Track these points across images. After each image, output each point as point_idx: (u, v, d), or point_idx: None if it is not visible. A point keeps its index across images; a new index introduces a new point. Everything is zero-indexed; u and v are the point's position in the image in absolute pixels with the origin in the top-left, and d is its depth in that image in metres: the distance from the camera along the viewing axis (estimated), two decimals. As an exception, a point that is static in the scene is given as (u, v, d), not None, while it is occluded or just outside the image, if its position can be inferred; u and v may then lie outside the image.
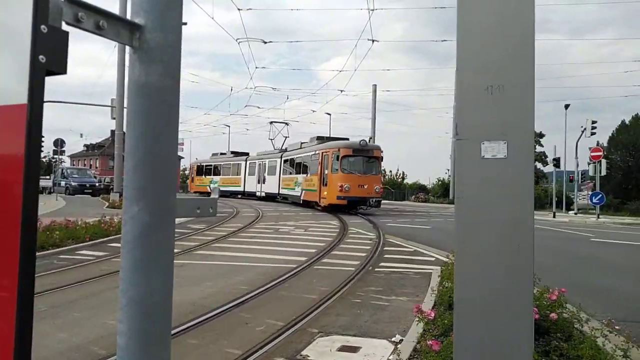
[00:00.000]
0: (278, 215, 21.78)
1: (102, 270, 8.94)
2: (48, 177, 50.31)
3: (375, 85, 45.33)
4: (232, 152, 43.29)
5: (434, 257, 11.00)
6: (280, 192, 31.62)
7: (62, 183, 36.88)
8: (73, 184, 37.50)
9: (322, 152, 25.31)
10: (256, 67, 44.61)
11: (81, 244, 11.48)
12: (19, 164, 0.73)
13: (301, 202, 27.75)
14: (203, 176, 43.27)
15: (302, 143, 30.42)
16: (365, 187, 23.89)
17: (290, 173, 30.13)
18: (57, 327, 5.53)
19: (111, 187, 37.26)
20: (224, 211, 23.77)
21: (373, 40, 26.13)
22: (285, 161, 31.18)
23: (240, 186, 37.66)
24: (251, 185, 36.23)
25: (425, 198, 46.17)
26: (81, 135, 72.65)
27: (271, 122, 36.66)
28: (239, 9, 22.12)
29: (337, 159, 24.02)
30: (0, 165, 0.74)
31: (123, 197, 1.03)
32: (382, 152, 25.29)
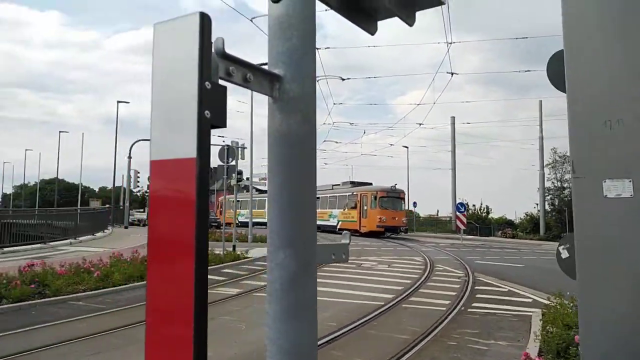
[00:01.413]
0: (360, 250, 21.60)
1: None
2: (142, 209, 53.98)
3: (453, 117, 44.41)
4: (256, 190, 51.72)
5: (530, 298, 10.28)
6: None
7: None
8: None
9: (361, 194, 34.71)
10: (334, 104, 45.65)
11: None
12: (192, 210, 0.78)
13: (337, 230, 35.71)
14: (231, 210, 51.32)
15: (333, 185, 39.87)
16: (396, 219, 33.49)
17: (320, 208, 38.26)
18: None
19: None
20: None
21: (452, 73, 25.69)
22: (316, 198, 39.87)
23: (265, 218, 44.03)
24: (260, 217, 42.97)
25: (513, 234, 43.67)
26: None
27: None
28: (317, 48, 22.80)
29: (375, 199, 33.48)
30: (177, 211, 0.80)
31: (268, 244, 1.04)
32: (404, 194, 35.75)
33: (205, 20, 0.79)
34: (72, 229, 21.46)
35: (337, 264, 15.72)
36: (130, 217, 39.73)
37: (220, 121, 0.83)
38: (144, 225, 39.99)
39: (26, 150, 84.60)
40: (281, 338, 1.01)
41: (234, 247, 17.63)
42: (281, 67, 1.03)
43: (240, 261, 15.50)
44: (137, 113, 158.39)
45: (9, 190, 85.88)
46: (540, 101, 39.45)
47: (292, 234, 1.01)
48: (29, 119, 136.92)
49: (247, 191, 49.15)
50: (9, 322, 7.46)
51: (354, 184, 38.23)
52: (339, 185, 39.64)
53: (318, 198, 39.57)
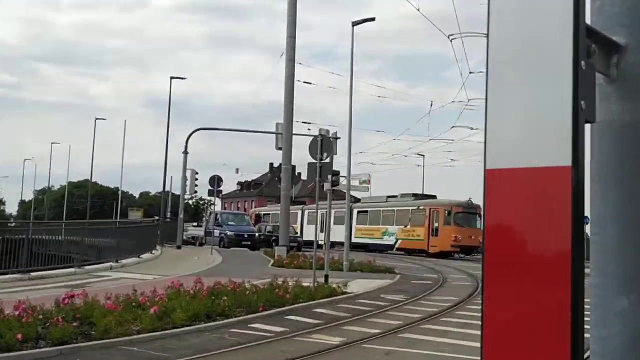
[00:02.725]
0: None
1: (284, 353, 9.57)
2: (195, 223, 55.90)
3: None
4: (294, 202, 59.61)
5: None
6: (352, 240, 46.73)
7: (216, 232, 40.11)
8: (229, 233, 40.47)
9: (431, 208, 43.03)
10: (470, 72, 41.36)
11: (253, 315, 12.43)
12: (566, 231, 0.81)
13: (394, 250, 44.61)
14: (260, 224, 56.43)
15: (388, 197, 48.41)
16: (473, 237, 40.27)
17: (370, 223, 47.66)
18: None
19: (273, 238, 40.02)
20: (425, 276, 23.93)
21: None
22: (362, 212, 48.78)
23: (371, 238, 50.31)
24: (310, 234, 48.78)
25: None
26: (237, 171, 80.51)
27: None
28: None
29: (449, 214, 41.84)
30: (537, 232, 0.83)
31: (594, 284, 1.04)
32: (481, 209, 40.26)
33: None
34: (111, 249, 22.98)
35: (478, 306, 15.46)
36: (184, 232, 41.18)
37: (591, 115, 0.85)
38: (200, 244, 41.62)
39: (52, 143, 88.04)
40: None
41: (326, 277, 17.93)
42: (621, 34, 1.03)
43: (336, 297, 15.73)
44: (191, 92, 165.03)
45: (29, 195, 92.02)
46: None
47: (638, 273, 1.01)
48: (54, 103, 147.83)
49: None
50: (49, 371, 8.11)
51: (417, 196, 47.07)
52: (395, 197, 48.24)
53: (365, 212, 48.71)
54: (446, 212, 42.35)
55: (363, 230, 47.75)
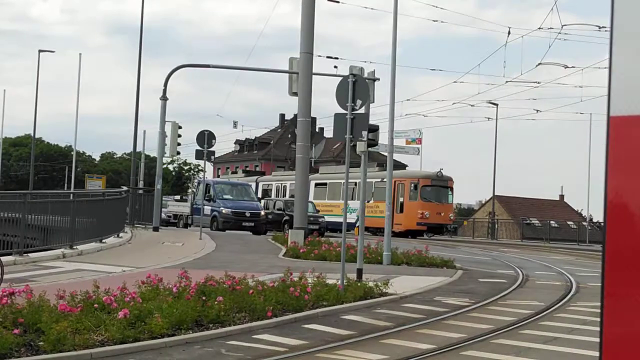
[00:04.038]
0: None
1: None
2: (178, 196, 56.40)
3: None
4: (245, 172, 73.59)
5: None
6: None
7: (207, 209, 40.19)
8: (225, 210, 41.07)
9: (396, 181, 47.54)
10: None
11: (260, 323, 12.50)
12: None
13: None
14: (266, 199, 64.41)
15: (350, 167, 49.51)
16: (442, 214, 51.93)
17: (328, 198, 56.79)
18: None
19: (286, 218, 40.07)
20: (498, 273, 23.93)
21: None
22: (320, 185, 58.26)
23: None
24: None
25: None
26: (235, 125, 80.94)
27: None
28: None
29: (416, 188, 51.81)
30: None
31: None
32: (453, 182, 54.63)
33: None
34: (64, 231, 23.08)
35: (571, 315, 15.41)
36: (163, 209, 41.35)
37: None
38: (185, 225, 42.21)
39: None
40: None
41: (359, 272, 17.97)
42: None
43: (374, 300, 15.76)
44: (172, 16, 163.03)
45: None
46: None
47: None
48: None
49: (234, 173, 55.47)
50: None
51: (383, 166, 52.03)
52: (358, 167, 50.25)
53: (324, 184, 57.97)
54: (412, 185, 51.85)
55: (321, 206, 54.04)
